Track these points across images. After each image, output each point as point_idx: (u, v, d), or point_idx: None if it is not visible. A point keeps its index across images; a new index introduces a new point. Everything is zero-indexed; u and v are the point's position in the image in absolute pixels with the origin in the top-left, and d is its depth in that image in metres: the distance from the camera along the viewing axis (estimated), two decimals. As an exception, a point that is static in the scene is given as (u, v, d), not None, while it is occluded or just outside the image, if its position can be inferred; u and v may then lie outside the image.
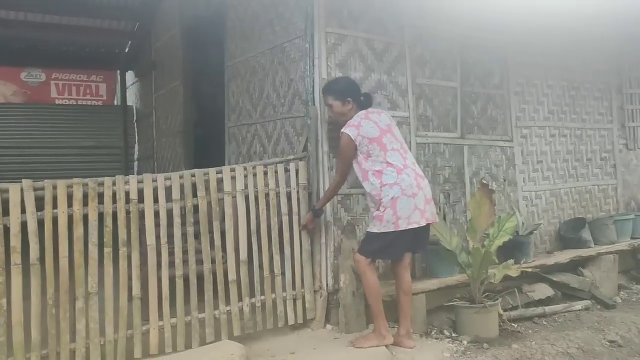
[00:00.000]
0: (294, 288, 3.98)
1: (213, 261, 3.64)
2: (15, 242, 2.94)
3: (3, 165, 7.18)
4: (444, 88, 4.90)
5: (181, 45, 6.40)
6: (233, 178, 3.77)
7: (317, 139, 4.16)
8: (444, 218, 4.73)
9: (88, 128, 7.73)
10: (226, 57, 5.60)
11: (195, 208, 3.60)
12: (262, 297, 3.85)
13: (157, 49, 7.12)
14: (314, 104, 4.18)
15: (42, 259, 3.01)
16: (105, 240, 3.23)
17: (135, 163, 8.19)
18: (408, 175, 3.58)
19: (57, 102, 7.74)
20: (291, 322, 3.96)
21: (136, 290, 3.34)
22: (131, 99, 8.13)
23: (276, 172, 3.97)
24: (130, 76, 8.21)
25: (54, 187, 3.09)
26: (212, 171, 3.70)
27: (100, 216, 3.21)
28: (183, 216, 3.58)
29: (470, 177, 5.01)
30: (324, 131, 4.17)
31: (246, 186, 3.82)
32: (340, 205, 4.18)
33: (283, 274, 3.93)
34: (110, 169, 7.90)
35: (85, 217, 3.16)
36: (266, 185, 3.89)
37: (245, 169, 3.85)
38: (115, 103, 8.22)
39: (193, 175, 3.63)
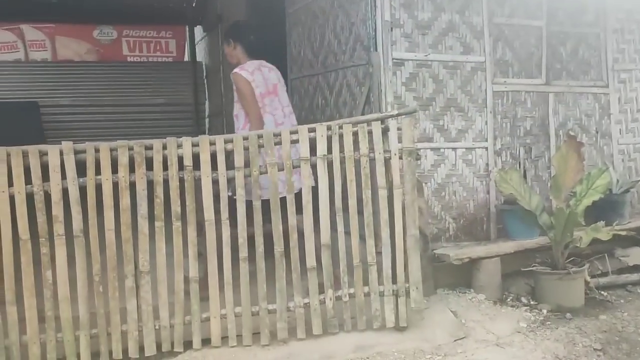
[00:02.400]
0: (394, 282, 3.18)
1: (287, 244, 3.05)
2: (57, 210, 2.75)
3: (78, 124, 7.39)
4: (526, 28, 4.33)
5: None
6: (312, 139, 3.08)
7: (380, 89, 3.81)
8: (524, 175, 4.26)
9: (159, 85, 7.77)
10: (287, 4, 5.28)
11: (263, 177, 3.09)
12: (351, 290, 3.14)
13: (222, 1, 6.93)
14: (377, 50, 3.82)
15: (86, 231, 2.81)
16: (156, 213, 2.91)
17: (207, 120, 8.18)
18: None
19: (128, 59, 7.81)
20: (390, 324, 3.15)
21: (193, 271, 2.97)
22: (200, 55, 8.07)
23: (370, 132, 3.12)
24: (199, 31, 8.13)
25: (97, 151, 2.80)
26: (284, 132, 3.08)
27: (150, 185, 2.89)
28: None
29: (556, 128, 4.46)
30: (387, 80, 3.81)
31: (329, 150, 3.09)
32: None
33: (379, 263, 3.16)
34: (181, 127, 7.97)
35: (133, 186, 2.87)
36: (356, 149, 3.13)
37: (329, 128, 3.09)
38: (185, 59, 8.18)
39: (260, 137, 3.05)
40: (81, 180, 2.81)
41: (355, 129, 3.12)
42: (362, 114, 3.78)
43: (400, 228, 3.14)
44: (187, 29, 7.97)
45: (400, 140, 3.17)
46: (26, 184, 2.75)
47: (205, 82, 8.05)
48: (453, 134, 4.12)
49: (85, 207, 2.80)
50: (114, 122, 7.53)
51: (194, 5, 7.90)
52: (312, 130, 3.10)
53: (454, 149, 4.13)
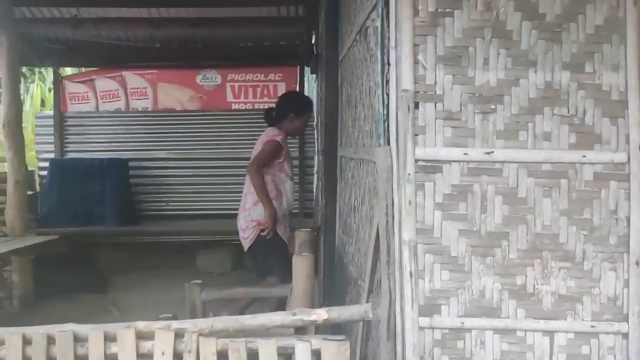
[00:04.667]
0: None
1: None
2: None
3: (179, 179, 6.71)
4: None
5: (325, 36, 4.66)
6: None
7: (389, 217, 2.04)
8: None
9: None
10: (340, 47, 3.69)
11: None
12: None
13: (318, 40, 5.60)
14: (388, 143, 2.07)
15: None
16: None
17: (315, 177, 6.87)
18: None
19: (233, 106, 6.94)
20: None
21: None
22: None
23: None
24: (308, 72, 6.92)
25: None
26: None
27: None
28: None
29: None
30: (403, 199, 2.04)
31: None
32: None
33: None
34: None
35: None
36: None
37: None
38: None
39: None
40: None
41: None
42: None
43: None
44: (297, 70, 6.82)
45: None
46: None
47: (315, 132, 6.77)
48: (546, 302, 2.09)
49: None
50: (217, 177, 6.70)
51: (312, 42, 6.65)
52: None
53: (549, 332, 2.09)
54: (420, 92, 2.07)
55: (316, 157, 6.41)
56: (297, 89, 6.86)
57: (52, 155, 6.59)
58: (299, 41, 6.62)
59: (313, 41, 6.40)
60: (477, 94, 2.08)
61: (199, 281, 3.59)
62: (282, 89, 6.91)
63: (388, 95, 2.10)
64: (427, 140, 2.08)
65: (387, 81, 2.10)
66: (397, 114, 2.06)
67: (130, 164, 6.40)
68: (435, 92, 2.08)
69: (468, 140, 2.09)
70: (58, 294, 5.65)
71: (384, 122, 2.13)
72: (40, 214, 5.86)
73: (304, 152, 6.71)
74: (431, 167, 2.09)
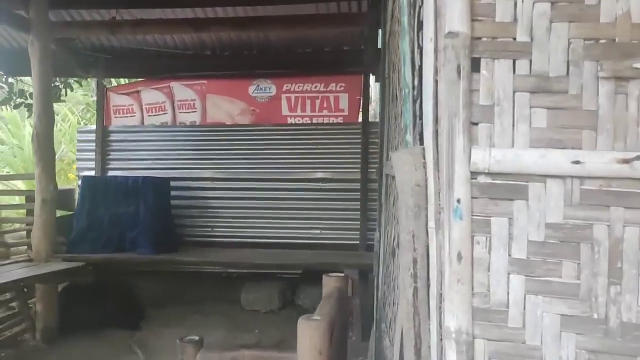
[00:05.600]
0: None
1: None
2: None
3: (226, 202, 5.91)
4: None
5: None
6: None
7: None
8: None
9: (323, 155, 5.80)
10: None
11: None
12: None
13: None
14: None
15: None
16: None
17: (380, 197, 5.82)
18: None
19: (288, 120, 6.06)
20: None
21: None
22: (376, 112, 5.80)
23: None
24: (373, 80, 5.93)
25: None
26: None
27: None
28: None
29: None
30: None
31: None
32: None
33: None
34: (349, 210, 5.81)
35: None
36: None
37: None
38: (360, 119, 6.02)
39: None
40: None
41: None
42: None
43: None
44: (362, 78, 5.83)
45: None
46: None
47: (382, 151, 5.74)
48: None
49: None
50: (268, 200, 5.84)
51: (377, 45, 5.69)
52: None
53: None
54: (484, 39, 1.05)
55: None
56: (362, 101, 5.89)
57: (92, 173, 6.05)
58: (363, 45, 5.67)
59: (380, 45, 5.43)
60: (603, 41, 1.02)
61: (196, 337, 2.70)
62: (344, 101, 5.97)
63: (421, 48, 1.09)
64: (495, 134, 1.05)
65: (420, 22, 1.09)
66: (436, 83, 1.05)
67: (173, 183, 5.70)
68: (515, 38, 1.04)
69: (584, 135, 1.03)
70: (84, 328, 5.00)
71: (414, 101, 1.12)
72: (70, 237, 5.26)
73: (367, 173, 5.70)
74: (505, 188, 1.05)
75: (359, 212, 5.72)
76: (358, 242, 5.69)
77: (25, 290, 5.02)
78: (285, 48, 5.96)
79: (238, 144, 6.02)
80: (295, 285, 5.59)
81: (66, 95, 6.51)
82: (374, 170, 5.65)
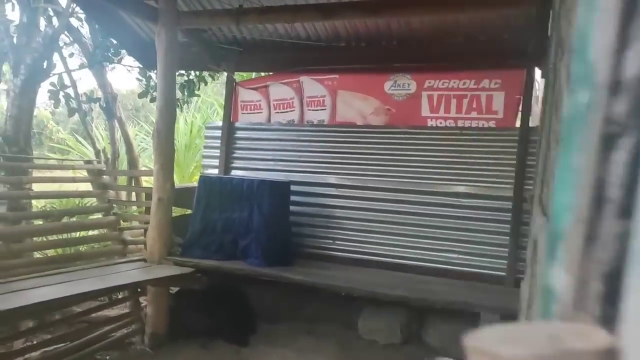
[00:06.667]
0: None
1: None
2: None
3: (350, 212, 5.20)
4: None
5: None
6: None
7: None
8: None
9: (467, 166, 4.77)
10: None
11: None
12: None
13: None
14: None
15: None
16: None
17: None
18: None
19: (428, 122, 5.09)
20: None
21: None
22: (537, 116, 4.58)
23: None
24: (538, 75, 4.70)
25: None
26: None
27: None
28: None
29: None
30: None
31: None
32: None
33: None
34: (496, 234, 4.81)
35: None
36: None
37: None
38: (518, 124, 4.83)
39: None
40: None
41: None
42: None
43: None
44: (524, 74, 4.66)
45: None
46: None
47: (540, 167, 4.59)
48: None
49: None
50: (400, 214, 5.03)
51: (546, 32, 4.58)
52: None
53: None
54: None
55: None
56: (522, 102, 4.79)
57: (216, 171, 5.76)
58: (531, 33, 4.57)
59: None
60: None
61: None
62: (499, 101, 4.91)
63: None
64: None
65: None
66: None
67: (294, 187, 5.15)
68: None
69: None
70: (192, 337, 4.70)
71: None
72: (184, 239, 4.99)
73: (521, 190, 4.62)
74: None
75: (507, 238, 4.67)
76: (504, 273, 4.65)
77: (139, 290, 4.84)
78: (429, 37, 5.08)
79: (369, 148, 5.29)
80: (423, 317, 4.74)
81: (199, 89, 6.33)
82: (532, 187, 4.57)
